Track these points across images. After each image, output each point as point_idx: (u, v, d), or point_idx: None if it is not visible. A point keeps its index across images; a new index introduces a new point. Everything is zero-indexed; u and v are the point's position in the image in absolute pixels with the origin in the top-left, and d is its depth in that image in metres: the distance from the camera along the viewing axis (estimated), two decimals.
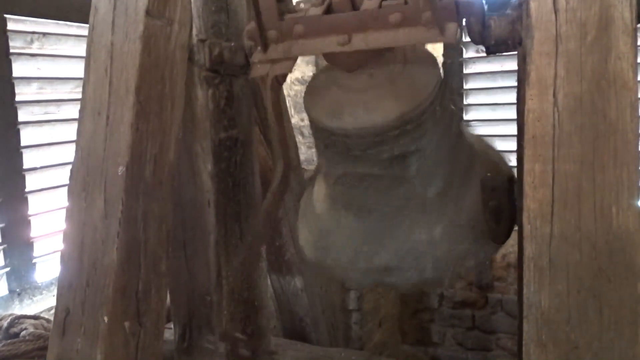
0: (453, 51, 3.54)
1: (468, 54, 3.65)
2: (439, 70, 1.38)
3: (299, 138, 2.85)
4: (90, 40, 1.45)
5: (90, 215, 1.36)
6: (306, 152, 2.75)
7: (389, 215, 1.44)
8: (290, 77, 2.99)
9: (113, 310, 1.29)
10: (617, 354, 0.89)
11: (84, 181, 1.39)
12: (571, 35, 0.96)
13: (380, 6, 1.25)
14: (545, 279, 0.93)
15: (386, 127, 1.30)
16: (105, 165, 1.36)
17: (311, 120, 1.43)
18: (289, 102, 2.92)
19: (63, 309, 1.34)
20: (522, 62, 1.15)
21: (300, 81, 2.81)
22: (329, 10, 1.32)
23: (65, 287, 1.36)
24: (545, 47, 0.98)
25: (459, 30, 1.25)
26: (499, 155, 1.65)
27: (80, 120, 1.43)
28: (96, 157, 1.38)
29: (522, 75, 1.13)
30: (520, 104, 1.11)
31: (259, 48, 1.37)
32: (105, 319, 1.27)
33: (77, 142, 1.42)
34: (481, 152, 1.58)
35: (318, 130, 1.42)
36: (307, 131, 2.95)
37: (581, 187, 0.93)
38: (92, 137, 1.40)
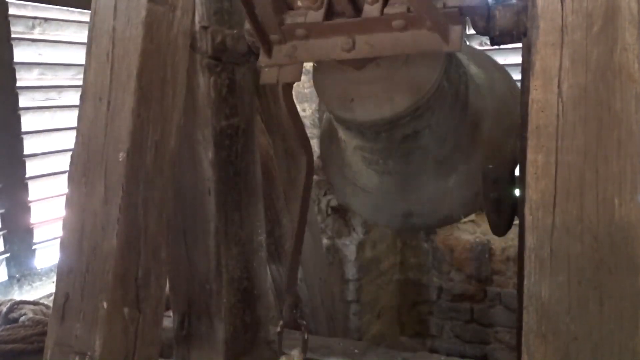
0: None
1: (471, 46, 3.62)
2: (443, 54, 1.37)
3: None
4: (92, 25, 1.44)
5: (90, 201, 1.35)
6: None
7: (408, 174, 1.62)
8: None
9: (112, 296, 1.29)
10: (616, 345, 0.89)
11: (84, 167, 1.38)
12: (577, 26, 0.96)
13: (382, 13, 1.21)
14: (546, 269, 0.92)
15: (396, 118, 1.33)
16: (105, 151, 1.36)
17: (325, 103, 1.49)
18: None
19: (62, 295, 1.34)
20: (527, 53, 1.15)
21: (302, 72, 2.77)
22: (329, 11, 1.29)
23: (64, 273, 1.36)
24: (551, 37, 0.97)
25: (463, 32, 1.24)
26: (507, 83, 1.77)
27: (81, 105, 1.42)
28: (97, 143, 1.37)
29: (526, 66, 1.12)
30: (524, 95, 1.11)
31: (262, 51, 1.36)
32: (105, 304, 1.27)
33: (77, 127, 1.41)
34: (488, 97, 1.66)
35: (331, 112, 1.49)
36: (308, 122, 2.94)
37: (584, 179, 0.92)
38: (92, 122, 1.39)
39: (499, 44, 1.34)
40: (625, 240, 0.90)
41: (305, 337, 1.63)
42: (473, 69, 1.66)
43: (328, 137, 1.86)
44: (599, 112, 0.93)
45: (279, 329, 1.62)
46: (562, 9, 0.98)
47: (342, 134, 1.63)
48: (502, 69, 1.82)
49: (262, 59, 1.37)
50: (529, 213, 0.94)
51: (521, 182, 1.21)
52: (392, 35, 1.22)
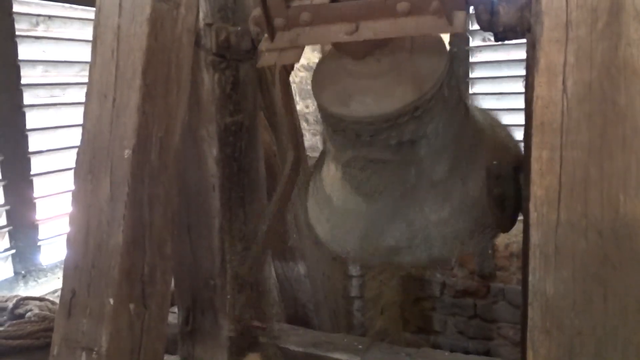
0: (460, 39, 3.51)
1: (474, 42, 3.62)
2: (447, 53, 1.38)
3: (303, 125, 2.85)
4: (97, 23, 1.45)
5: (96, 198, 1.36)
6: (311, 139, 2.75)
7: (399, 197, 1.45)
8: (295, 64, 2.98)
9: (118, 292, 1.30)
10: (621, 341, 0.89)
11: (90, 164, 1.39)
12: (582, 22, 0.95)
13: None
14: (550, 265, 0.93)
15: (395, 115, 1.30)
16: (111, 148, 1.36)
17: (319, 106, 1.43)
18: (294, 89, 2.92)
19: (69, 291, 1.35)
20: (531, 49, 1.14)
21: (305, 67, 2.79)
22: None
23: (71, 269, 1.37)
24: (555, 33, 0.97)
25: (467, 18, 1.24)
26: (506, 131, 1.65)
27: (86, 102, 1.43)
28: (102, 140, 1.38)
29: (530, 62, 1.12)
30: (529, 92, 1.11)
31: (266, 36, 1.37)
32: (111, 300, 1.28)
33: (83, 124, 1.42)
34: (488, 129, 1.58)
35: (326, 115, 1.42)
36: (312, 118, 2.94)
37: (588, 175, 0.92)
38: (98, 119, 1.39)
39: (502, 40, 1.33)
40: (630, 236, 0.91)
41: None
42: (475, 110, 1.61)
43: (313, 183, 1.75)
44: (604, 108, 0.93)
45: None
46: (567, 5, 0.98)
47: (332, 149, 1.54)
48: (504, 125, 1.69)
49: (264, 44, 1.37)
50: (534, 209, 0.95)
51: (525, 178, 1.21)
52: (395, 20, 1.22)
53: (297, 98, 2.89)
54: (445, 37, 3.35)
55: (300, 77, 2.90)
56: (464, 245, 1.47)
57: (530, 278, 0.94)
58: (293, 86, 2.95)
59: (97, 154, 1.39)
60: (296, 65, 2.98)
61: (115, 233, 1.32)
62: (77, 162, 1.41)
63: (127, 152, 1.33)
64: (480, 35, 3.64)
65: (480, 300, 3.60)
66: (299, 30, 1.33)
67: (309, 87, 2.93)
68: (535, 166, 0.95)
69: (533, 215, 0.95)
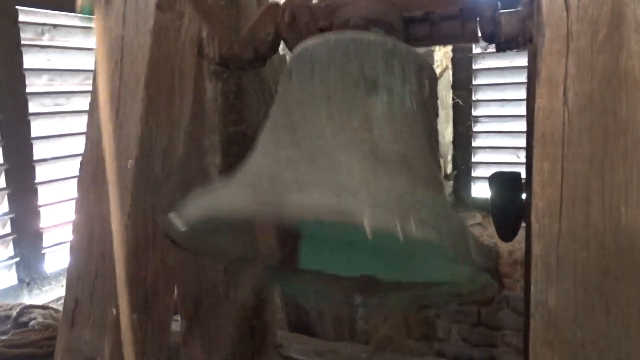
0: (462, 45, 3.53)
1: (477, 49, 3.62)
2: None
3: None
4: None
5: (99, 208, 1.36)
6: None
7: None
8: None
9: (121, 302, 1.30)
10: (623, 353, 0.89)
11: (93, 173, 1.39)
12: (582, 33, 0.96)
13: None
14: (552, 277, 0.93)
15: None
16: (114, 158, 1.37)
17: None
18: None
19: (72, 300, 1.36)
20: (533, 59, 1.15)
21: None
22: None
23: (74, 278, 1.37)
24: (556, 45, 0.97)
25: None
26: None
27: (90, 113, 1.44)
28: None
29: (532, 72, 1.12)
30: (530, 101, 1.11)
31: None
32: (114, 310, 1.28)
33: (86, 134, 1.43)
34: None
35: None
36: None
37: (590, 186, 0.92)
38: (101, 130, 1.40)
39: (504, 50, 1.34)
40: (632, 247, 0.90)
41: None
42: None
43: None
44: (605, 119, 0.93)
45: None
46: (568, 17, 0.98)
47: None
48: None
49: None
50: (535, 220, 0.95)
51: (527, 187, 1.21)
52: None
53: None
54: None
55: None
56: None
57: (532, 289, 0.94)
58: None
59: (100, 164, 1.39)
60: None
61: (119, 243, 1.32)
62: (80, 171, 1.42)
63: (130, 163, 1.34)
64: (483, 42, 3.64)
65: (484, 308, 3.58)
66: None
67: None
68: (537, 178, 0.95)
69: (535, 226, 0.95)
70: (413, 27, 1.36)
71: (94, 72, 1.46)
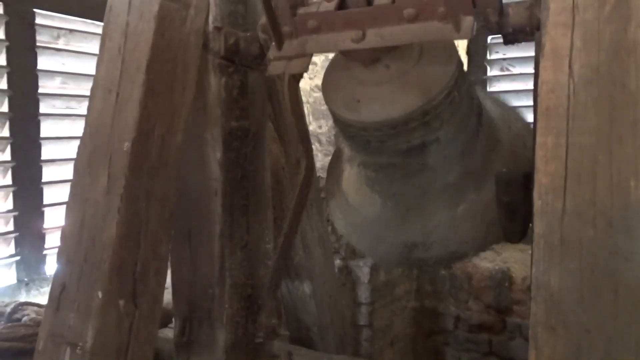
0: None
1: (492, 72, 3.61)
2: (457, 57, 1.35)
3: (316, 145, 2.82)
4: (107, 21, 1.47)
5: (92, 191, 1.34)
6: (323, 159, 2.72)
7: (412, 197, 1.50)
8: (309, 84, 2.98)
9: (108, 287, 1.26)
10: (633, 339, 0.81)
11: (89, 157, 1.38)
12: (589, 5, 0.92)
13: (394, 1, 1.23)
14: (556, 257, 0.86)
15: (402, 121, 1.29)
16: (111, 142, 1.35)
17: (330, 109, 1.43)
18: (307, 109, 2.91)
19: (59, 285, 1.32)
20: (539, 46, 1.11)
21: (319, 88, 2.79)
22: (342, 4, 1.31)
23: (63, 263, 1.34)
24: (562, 17, 0.94)
25: (474, 23, 1.22)
26: (522, 123, 1.68)
27: (91, 97, 1.43)
28: (103, 134, 1.37)
29: (538, 54, 1.08)
30: (535, 79, 1.07)
31: (273, 44, 1.37)
32: (100, 294, 1.24)
33: (86, 119, 1.42)
34: (504, 129, 1.58)
35: (336, 120, 1.43)
36: (324, 139, 2.92)
37: (596, 161, 0.87)
38: (100, 114, 1.39)
39: (512, 42, 1.31)
40: None
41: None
42: (489, 103, 1.61)
43: (331, 172, 1.79)
44: (613, 91, 0.88)
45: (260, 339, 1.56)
46: None
47: (346, 150, 1.57)
48: (518, 112, 1.76)
49: (272, 52, 1.37)
50: (538, 197, 0.89)
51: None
52: (402, 26, 1.22)
53: (310, 118, 2.88)
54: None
55: (314, 98, 2.90)
56: (478, 243, 1.53)
57: (533, 271, 0.87)
58: (307, 106, 2.95)
59: (97, 148, 1.38)
60: (310, 86, 2.99)
61: (109, 226, 1.29)
62: (77, 155, 1.40)
63: (127, 145, 1.32)
64: (498, 65, 3.62)
65: (495, 336, 3.44)
66: (306, 37, 1.33)
67: (323, 107, 2.93)
68: (539, 153, 0.90)
69: (537, 203, 0.89)
70: None
71: (98, 57, 1.46)
